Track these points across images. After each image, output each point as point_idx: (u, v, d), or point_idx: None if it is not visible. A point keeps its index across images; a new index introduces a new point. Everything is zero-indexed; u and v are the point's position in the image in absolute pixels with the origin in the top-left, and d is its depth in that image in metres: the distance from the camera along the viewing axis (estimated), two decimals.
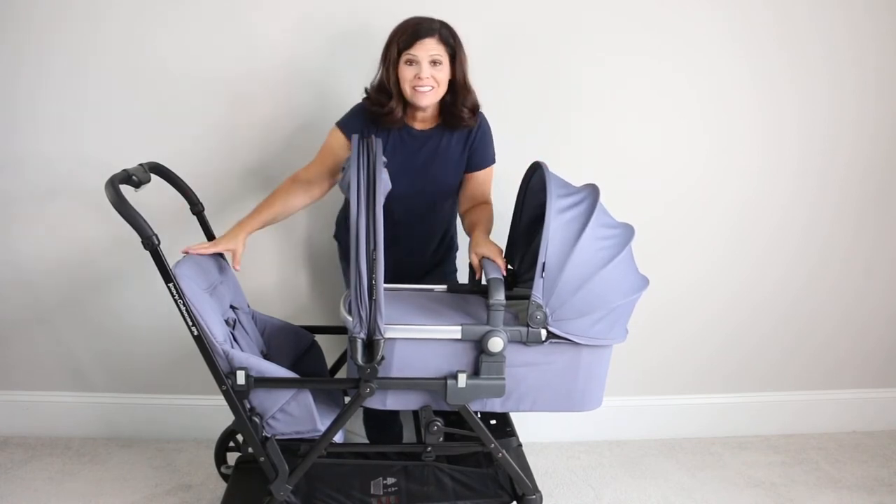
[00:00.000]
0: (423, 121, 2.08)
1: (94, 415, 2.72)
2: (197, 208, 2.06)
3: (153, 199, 2.11)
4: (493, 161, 2.16)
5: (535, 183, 1.93)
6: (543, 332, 1.71)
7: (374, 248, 1.61)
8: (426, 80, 1.93)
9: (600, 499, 2.43)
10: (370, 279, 1.63)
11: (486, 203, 2.16)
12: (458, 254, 2.37)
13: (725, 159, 2.58)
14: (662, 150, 2.56)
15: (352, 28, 2.36)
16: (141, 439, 2.72)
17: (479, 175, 2.14)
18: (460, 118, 2.04)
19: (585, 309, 1.70)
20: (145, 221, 1.64)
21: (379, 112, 2.01)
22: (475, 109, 2.06)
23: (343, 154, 2.06)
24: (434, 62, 1.93)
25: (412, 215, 2.14)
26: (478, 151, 2.12)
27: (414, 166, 2.08)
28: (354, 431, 2.52)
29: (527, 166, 1.99)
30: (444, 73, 1.96)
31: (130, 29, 2.35)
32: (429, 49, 1.92)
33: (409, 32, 1.93)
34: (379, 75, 2.02)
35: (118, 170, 1.75)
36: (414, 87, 1.95)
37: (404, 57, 1.94)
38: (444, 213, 2.22)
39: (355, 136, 1.70)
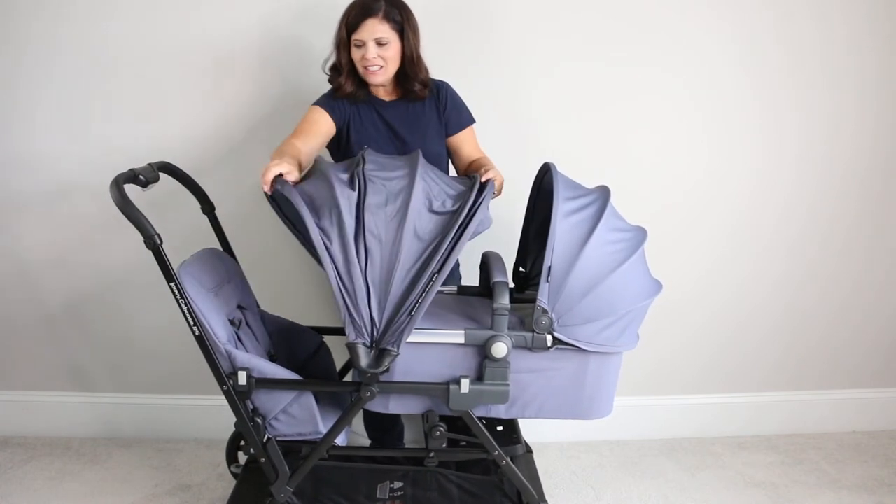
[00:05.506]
0: (388, 93, 2.11)
1: (94, 415, 2.71)
2: (208, 207, 2.05)
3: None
4: (471, 121, 2.17)
5: (546, 184, 1.91)
6: (549, 338, 1.68)
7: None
8: (373, 61, 1.96)
9: (600, 499, 2.43)
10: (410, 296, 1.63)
11: (482, 157, 2.16)
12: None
13: (725, 161, 2.58)
14: (662, 151, 2.55)
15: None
16: (141, 439, 2.72)
17: (463, 135, 2.16)
18: (411, 91, 2.07)
19: (593, 315, 1.67)
20: (147, 220, 1.65)
21: (334, 87, 2.05)
22: (425, 83, 2.08)
23: (328, 131, 2.04)
24: (379, 42, 1.95)
25: None
26: (452, 115, 2.14)
27: (394, 136, 2.09)
28: (358, 432, 2.52)
29: (529, 169, 1.98)
30: (392, 51, 1.98)
31: (138, 25, 2.35)
32: (373, 31, 1.93)
33: (354, 14, 1.95)
34: (333, 54, 2.05)
35: (124, 168, 1.75)
36: (365, 68, 1.98)
37: (352, 40, 1.96)
38: None
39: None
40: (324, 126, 2.03)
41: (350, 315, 1.63)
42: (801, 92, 2.53)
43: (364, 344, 1.66)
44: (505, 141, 2.46)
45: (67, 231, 2.52)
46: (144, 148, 2.42)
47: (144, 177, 1.76)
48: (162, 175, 1.87)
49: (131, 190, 1.69)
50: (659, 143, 2.54)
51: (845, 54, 2.50)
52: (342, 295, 1.61)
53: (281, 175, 1.68)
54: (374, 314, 1.64)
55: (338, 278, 1.61)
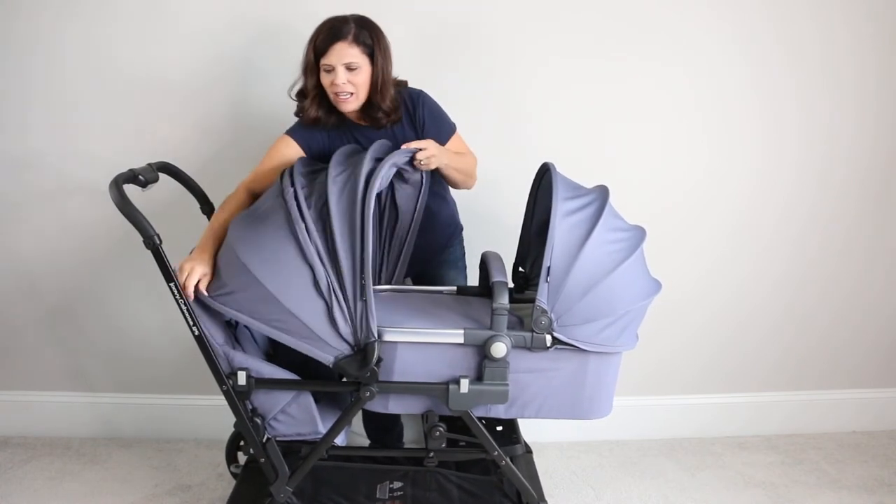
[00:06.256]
0: (359, 117, 2.02)
1: (94, 415, 2.72)
2: (207, 207, 2.05)
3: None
4: (452, 129, 2.08)
5: (545, 184, 1.90)
6: (548, 338, 1.68)
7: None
8: (342, 87, 1.88)
9: (600, 499, 2.43)
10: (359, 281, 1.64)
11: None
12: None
13: (725, 161, 2.58)
14: (662, 151, 2.55)
15: None
16: (141, 439, 2.72)
17: (448, 147, 2.05)
18: (375, 119, 1.98)
19: (592, 314, 1.66)
20: (147, 221, 1.65)
21: (300, 114, 1.99)
22: (390, 112, 1.96)
23: None
24: (349, 67, 1.87)
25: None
26: (431, 132, 2.02)
27: None
28: (358, 432, 2.51)
29: (528, 168, 1.98)
30: (362, 77, 1.89)
31: (142, 26, 2.36)
32: (342, 55, 1.85)
33: (322, 37, 1.87)
34: (301, 78, 1.98)
35: (123, 168, 1.76)
36: (335, 94, 1.91)
37: (321, 65, 1.88)
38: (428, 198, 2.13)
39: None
40: (293, 160, 1.95)
41: (308, 345, 1.68)
42: (801, 92, 2.52)
43: (342, 356, 1.68)
44: (504, 141, 2.47)
45: (67, 231, 2.52)
46: (144, 148, 2.42)
47: (143, 177, 1.77)
48: (161, 175, 1.87)
49: (131, 190, 1.70)
50: (659, 143, 2.54)
51: (845, 54, 2.50)
52: (291, 341, 1.68)
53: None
54: (341, 323, 1.66)
55: (279, 334, 1.68)
